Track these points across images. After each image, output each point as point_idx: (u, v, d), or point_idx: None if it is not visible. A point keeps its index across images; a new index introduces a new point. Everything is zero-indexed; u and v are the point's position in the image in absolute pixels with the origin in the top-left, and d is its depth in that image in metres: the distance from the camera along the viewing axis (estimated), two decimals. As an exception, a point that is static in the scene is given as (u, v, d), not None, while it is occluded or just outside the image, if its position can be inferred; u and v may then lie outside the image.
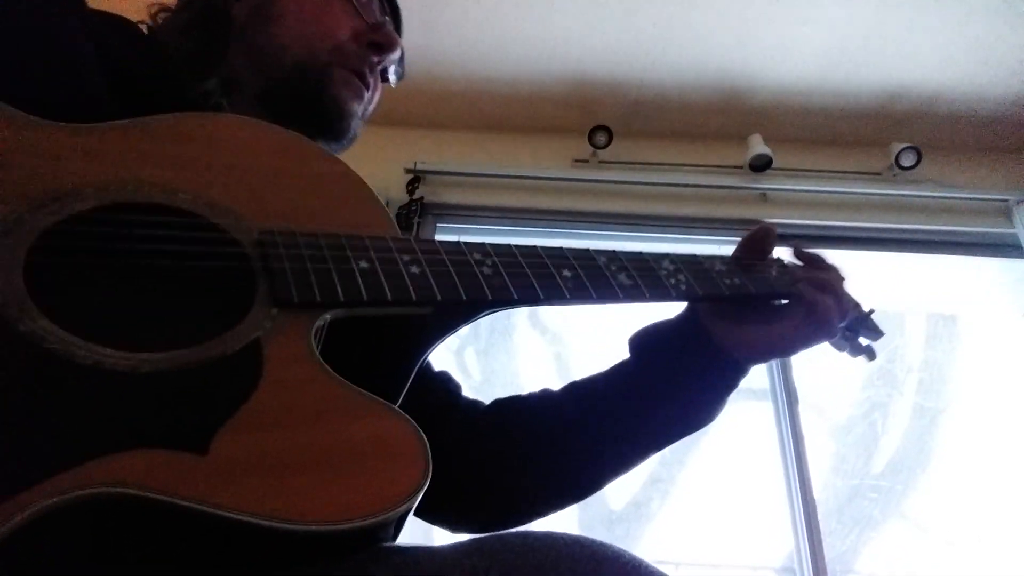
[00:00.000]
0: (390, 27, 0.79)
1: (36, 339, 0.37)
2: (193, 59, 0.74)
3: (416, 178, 2.68)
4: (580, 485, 0.70)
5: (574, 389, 0.71)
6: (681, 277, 0.63)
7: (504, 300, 0.54)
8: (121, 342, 0.39)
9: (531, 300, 0.55)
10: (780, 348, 0.65)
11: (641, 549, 2.36)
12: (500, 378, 2.66)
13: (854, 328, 0.76)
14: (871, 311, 0.76)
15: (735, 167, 2.77)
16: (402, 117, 2.65)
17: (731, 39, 2.47)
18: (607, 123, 2.71)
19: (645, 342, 0.70)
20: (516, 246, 0.58)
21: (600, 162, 2.76)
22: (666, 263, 0.64)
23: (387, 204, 2.61)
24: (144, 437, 0.35)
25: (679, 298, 0.63)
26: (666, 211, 2.70)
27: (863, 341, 0.77)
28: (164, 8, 0.78)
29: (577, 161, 2.81)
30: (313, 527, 0.35)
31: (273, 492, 0.35)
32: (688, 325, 0.69)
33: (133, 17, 0.73)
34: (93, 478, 0.32)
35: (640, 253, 0.64)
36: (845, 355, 0.77)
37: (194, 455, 0.35)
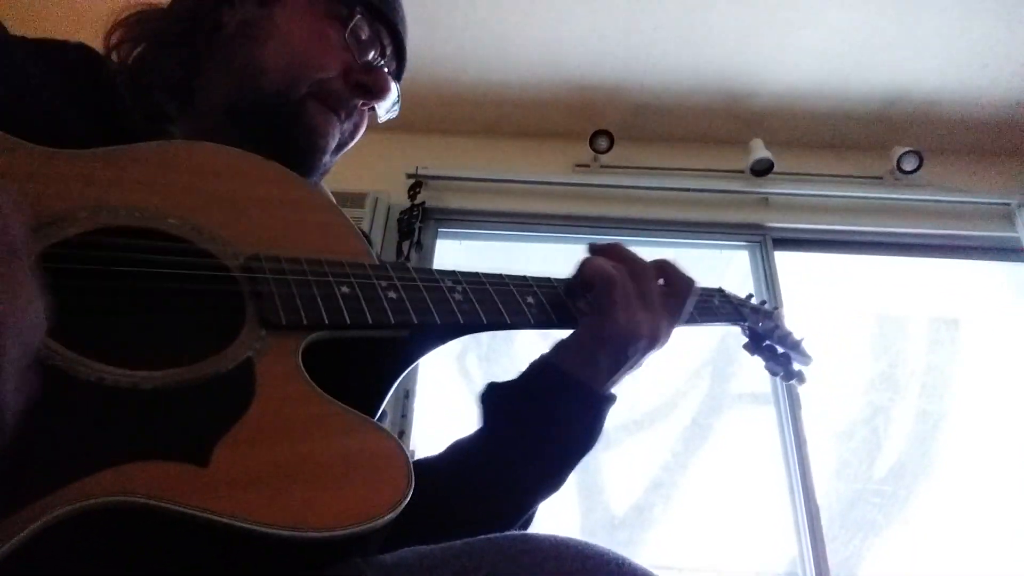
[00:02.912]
0: (384, 72, 0.74)
1: (40, 356, 0.38)
2: (166, 72, 0.70)
3: (418, 183, 2.69)
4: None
5: (449, 457, 0.63)
6: None
7: (474, 324, 0.57)
8: (119, 361, 0.40)
9: (499, 325, 0.59)
10: (600, 330, 0.59)
11: (643, 554, 2.35)
12: (502, 383, 2.65)
13: (787, 355, 0.83)
14: (802, 339, 0.84)
15: (736, 171, 2.77)
16: (404, 122, 2.64)
17: (732, 43, 2.48)
18: (608, 128, 2.71)
19: (491, 403, 0.62)
20: (484, 273, 0.62)
21: (601, 167, 2.77)
22: None
23: (388, 209, 2.63)
24: (147, 450, 0.36)
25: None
26: (667, 215, 2.71)
27: (796, 366, 0.84)
28: (143, 12, 0.74)
29: (578, 166, 2.82)
30: (310, 533, 0.36)
31: (271, 502, 0.37)
32: (536, 367, 0.63)
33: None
34: (101, 489, 0.33)
35: None
36: (780, 379, 0.83)
37: (196, 467, 0.37)
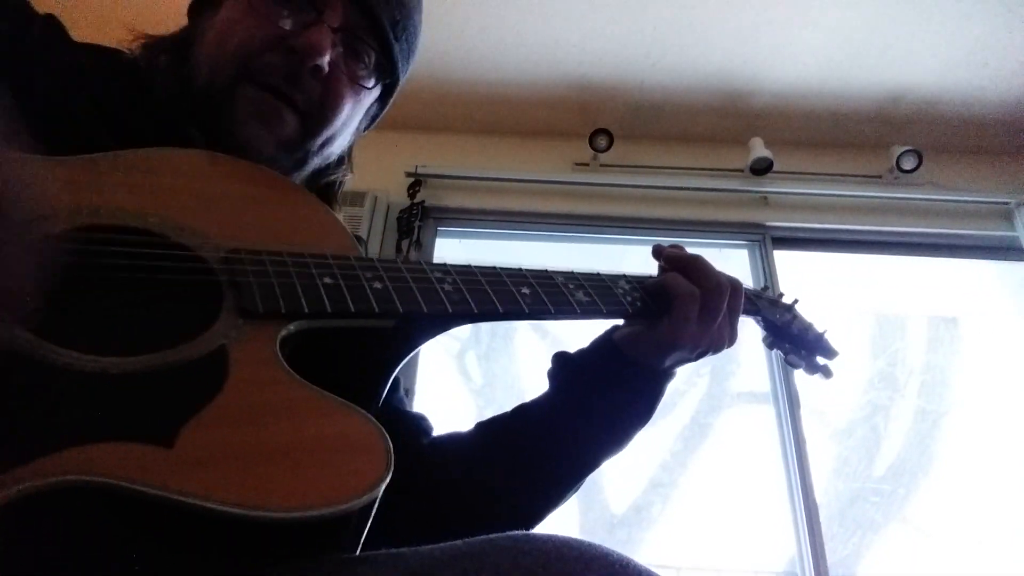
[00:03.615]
0: (321, 29, 0.65)
1: (7, 343, 0.38)
2: (156, 66, 0.70)
3: (417, 181, 2.68)
4: (524, 508, 0.69)
5: (516, 417, 0.71)
6: (637, 295, 0.68)
7: (464, 314, 0.56)
8: (92, 349, 0.40)
9: (490, 315, 0.58)
10: (673, 338, 0.67)
11: (643, 553, 2.35)
12: (501, 382, 2.66)
13: (810, 348, 0.82)
14: (824, 331, 0.82)
15: (736, 170, 2.77)
16: (403, 120, 2.65)
17: (732, 42, 2.48)
18: (608, 127, 2.71)
19: (564, 373, 0.72)
20: (476, 266, 0.61)
21: (601, 166, 2.76)
22: (622, 283, 0.69)
23: (388, 208, 2.63)
24: (111, 432, 0.36)
25: (636, 315, 0.68)
26: (667, 214, 2.70)
27: (820, 360, 0.82)
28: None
29: (578, 165, 2.81)
30: (277, 515, 0.35)
31: (237, 481, 0.36)
32: (603, 348, 0.72)
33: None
34: (60, 468, 0.33)
35: (598, 273, 0.69)
36: (802, 372, 0.83)
37: (160, 448, 0.36)
